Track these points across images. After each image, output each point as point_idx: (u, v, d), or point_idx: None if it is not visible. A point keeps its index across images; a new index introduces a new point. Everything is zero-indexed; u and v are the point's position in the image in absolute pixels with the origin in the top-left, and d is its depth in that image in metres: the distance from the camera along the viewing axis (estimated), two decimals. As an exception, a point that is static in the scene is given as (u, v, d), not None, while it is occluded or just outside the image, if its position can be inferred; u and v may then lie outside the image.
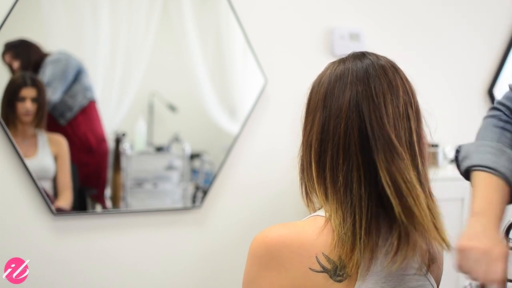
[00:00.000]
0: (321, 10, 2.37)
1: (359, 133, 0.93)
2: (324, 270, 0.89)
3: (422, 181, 0.95)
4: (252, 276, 0.91)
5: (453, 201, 2.23)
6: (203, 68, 2.25)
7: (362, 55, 0.99)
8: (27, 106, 1.90)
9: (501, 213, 1.05)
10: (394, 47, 2.50)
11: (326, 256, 0.89)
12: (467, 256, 0.99)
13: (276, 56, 2.28)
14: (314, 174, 0.96)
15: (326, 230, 0.91)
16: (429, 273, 0.97)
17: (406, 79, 0.99)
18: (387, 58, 1.00)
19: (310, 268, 0.88)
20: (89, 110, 2.03)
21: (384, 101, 0.94)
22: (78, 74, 1.99)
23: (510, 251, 1.34)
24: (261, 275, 0.90)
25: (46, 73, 1.95)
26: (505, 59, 2.78)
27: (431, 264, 0.98)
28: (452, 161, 2.60)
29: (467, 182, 2.43)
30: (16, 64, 1.90)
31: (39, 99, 1.93)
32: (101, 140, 2.06)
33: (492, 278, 0.98)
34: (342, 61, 1.00)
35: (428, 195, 0.96)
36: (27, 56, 1.92)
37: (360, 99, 0.94)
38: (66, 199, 1.98)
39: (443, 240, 0.93)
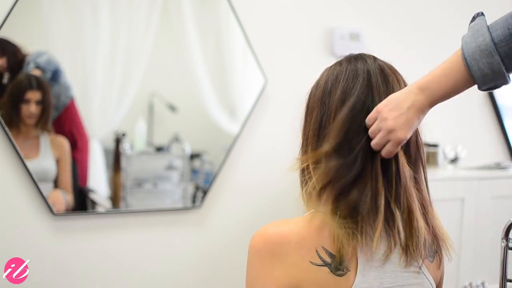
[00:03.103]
0: (321, 10, 2.38)
1: (352, 130, 0.94)
2: (325, 263, 0.89)
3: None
4: (255, 273, 0.92)
5: (453, 201, 2.24)
6: (203, 68, 2.25)
7: (358, 57, 1.01)
8: (31, 109, 1.90)
9: (442, 93, 0.95)
10: (394, 47, 2.51)
11: (326, 250, 0.90)
12: (376, 116, 0.94)
13: (276, 56, 2.29)
14: (312, 171, 0.98)
15: (324, 224, 0.91)
16: (427, 271, 0.98)
17: (403, 81, 1.00)
18: (383, 61, 1.01)
19: (311, 262, 0.89)
20: (70, 108, 2.03)
21: (376, 97, 0.95)
22: (56, 74, 1.99)
23: (510, 251, 1.34)
24: (264, 271, 0.91)
25: None
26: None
27: (430, 263, 0.99)
28: (452, 161, 2.60)
29: (467, 182, 2.44)
30: (0, 63, 1.90)
31: (44, 102, 1.93)
32: (84, 136, 2.07)
33: (387, 155, 0.94)
34: (339, 63, 1.01)
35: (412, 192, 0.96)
36: (13, 54, 1.92)
37: (352, 95, 0.95)
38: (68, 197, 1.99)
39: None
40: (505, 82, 0.92)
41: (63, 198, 1.96)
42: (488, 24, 0.92)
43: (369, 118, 0.95)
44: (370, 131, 0.95)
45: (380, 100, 0.95)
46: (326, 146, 0.95)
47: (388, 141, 0.93)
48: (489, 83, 0.92)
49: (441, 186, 2.18)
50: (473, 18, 0.95)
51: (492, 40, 0.89)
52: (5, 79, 1.91)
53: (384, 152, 0.94)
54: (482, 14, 0.95)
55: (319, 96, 0.99)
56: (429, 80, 0.94)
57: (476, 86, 0.96)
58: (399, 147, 0.95)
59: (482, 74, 0.90)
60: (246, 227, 2.22)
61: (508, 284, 1.35)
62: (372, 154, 0.94)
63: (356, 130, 0.94)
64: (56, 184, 1.98)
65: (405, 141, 0.94)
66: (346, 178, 0.92)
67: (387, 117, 0.93)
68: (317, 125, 0.98)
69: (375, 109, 0.95)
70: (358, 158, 0.93)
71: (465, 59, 0.91)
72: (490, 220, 2.29)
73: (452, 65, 0.93)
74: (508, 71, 0.90)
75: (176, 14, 2.19)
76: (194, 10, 2.20)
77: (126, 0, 2.10)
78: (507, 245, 1.32)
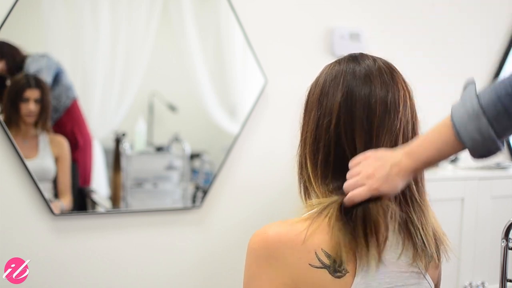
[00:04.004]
0: (321, 10, 2.38)
1: (349, 132, 0.94)
2: (324, 266, 0.89)
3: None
4: (252, 273, 0.92)
5: (453, 201, 2.24)
6: (203, 68, 2.25)
7: (357, 57, 1.01)
8: (30, 107, 1.90)
9: (428, 158, 0.94)
10: (394, 47, 2.51)
11: (325, 252, 0.90)
12: (359, 163, 0.94)
13: (276, 56, 2.28)
14: (309, 171, 0.98)
15: (324, 225, 0.91)
16: (426, 271, 0.98)
17: (404, 81, 1.00)
18: (384, 60, 1.01)
19: (309, 264, 0.89)
20: (73, 109, 2.03)
21: (375, 102, 0.95)
22: (57, 76, 1.99)
23: (510, 251, 1.34)
24: (261, 271, 0.91)
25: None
26: (505, 59, 2.79)
27: (428, 263, 0.99)
28: (452, 161, 2.60)
29: (467, 182, 2.45)
30: (1, 66, 1.90)
31: (43, 101, 1.93)
32: (87, 136, 2.07)
33: (353, 196, 0.92)
34: (338, 62, 1.01)
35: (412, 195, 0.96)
36: (12, 57, 1.92)
37: (350, 99, 0.95)
38: (66, 201, 1.99)
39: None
40: (497, 148, 0.90)
41: (59, 206, 1.96)
42: (477, 91, 0.91)
43: (353, 160, 0.94)
44: (350, 173, 0.94)
45: (379, 107, 0.95)
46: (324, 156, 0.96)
47: (362, 185, 0.92)
48: (480, 149, 0.90)
49: (441, 186, 2.18)
50: (464, 87, 0.94)
51: (480, 104, 0.88)
52: (7, 82, 1.92)
53: (351, 194, 0.92)
54: (473, 82, 0.94)
55: (317, 96, 0.99)
56: (417, 144, 0.94)
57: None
58: (367, 196, 0.92)
59: (471, 139, 0.89)
60: (246, 227, 2.21)
61: (508, 284, 1.35)
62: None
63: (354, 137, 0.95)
64: (56, 183, 1.98)
65: (377, 194, 0.92)
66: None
67: (371, 164, 0.92)
68: (314, 126, 0.98)
69: (364, 153, 0.94)
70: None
71: (454, 124, 0.90)
72: (490, 220, 2.28)
73: (440, 131, 0.93)
74: (499, 136, 0.89)
75: (176, 14, 2.19)
76: (194, 10, 2.20)
77: (126, 0, 2.10)
78: (507, 245, 1.32)
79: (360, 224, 0.91)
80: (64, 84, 2.00)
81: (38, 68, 1.94)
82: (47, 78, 1.96)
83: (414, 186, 0.99)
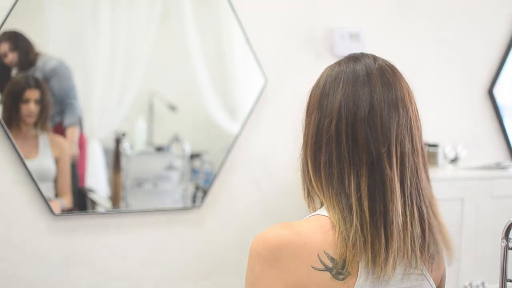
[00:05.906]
0: (321, 10, 2.38)
1: (350, 131, 0.94)
2: (326, 268, 0.89)
3: (406, 181, 0.95)
4: (255, 276, 0.92)
5: (453, 201, 2.24)
6: (203, 68, 2.25)
7: (358, 57, 1.00)
8: (30, 108, 1.90)
9: None
10: (394, 47, 2.51)
11: (328, 254, 0.89)
12: None
13: (276, 56, 2.29)
14: (311, 173, 0.98)
15: (327, 228, 0.91)
16: (428, 273, 0.98)
17: (404, 81, 0.99)
18: (384, 60, 1.00)
19: (312, 267, 0.89)
20: None
21: (377, 100, 0.95)
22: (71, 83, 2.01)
23: (510, 251, 1.34)
24: (265, 274, 0.90)
25: (56, 87, 1.95)
26: (505, 59, 2.79)
27: (430, 264, 0.99)
28: (452, 161, 2.60)
29: (467, 182, 2.45)
30: (11, 57, 1.89)
31: (42, 101, 1.93)
32: (83, 137, 2.07)
33: None
34: (338, 63, 1.01)
35: (412, 197, 0.95)
36: (25, 51, 1.91)
37: (351, 98, 0.95)
38: (66, 201, 1.99)
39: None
40: None
41: (59, 203, 1.96)
42: None
43: None
44: None
45: (380, 105, 0.94)
46: (325, 157, 0.95)
47: None
48: None
49: (441, 186, 2.18)
50: None
51: None
52: (14, 74, 1.91)
53: None
54: None
55: (318, 98, 0.99)
56: None
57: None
58: None
59: None
60: (246, 227, 2.22)
61: (508, 284, 1.35)
62: (378, 166, 0.93)
63: (358, 140, 0.94)
64: (56, 184, 1.98)
65: None
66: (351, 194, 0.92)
67: None
68: (315, 128, 0.97)
69: None
70: (363, 171, 0.93)
71: None
72: (490, 220, 2.29)
73: None
74: None
75: (176, 14, 2.18)
76: (194, 10, 2.20)
77: (126, 1, 2.10)
78: (507, 245, 1.32)
79: (360, 225, 0.91)
80: (73, 88, 2.01)
81: (66, 90, 1.95)
82: (75, 95, 1.98)
83: (422, 183, 0.98)
